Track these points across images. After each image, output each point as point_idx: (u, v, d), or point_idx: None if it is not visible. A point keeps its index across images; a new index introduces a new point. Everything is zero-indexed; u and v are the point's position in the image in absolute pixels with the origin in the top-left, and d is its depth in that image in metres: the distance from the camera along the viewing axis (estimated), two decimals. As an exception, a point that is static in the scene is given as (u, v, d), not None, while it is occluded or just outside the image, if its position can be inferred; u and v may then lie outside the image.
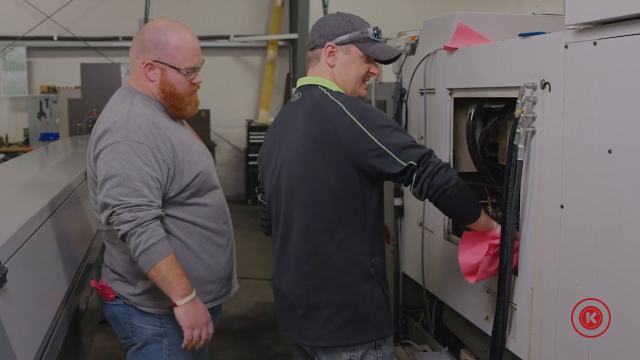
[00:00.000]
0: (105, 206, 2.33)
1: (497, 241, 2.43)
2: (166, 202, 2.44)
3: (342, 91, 2.42)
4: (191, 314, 2.36)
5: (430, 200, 2.29)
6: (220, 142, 11.83)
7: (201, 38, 11.06)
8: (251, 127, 11.26)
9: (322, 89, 2.39)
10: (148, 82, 2.50)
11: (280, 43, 11.76)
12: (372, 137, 2.23)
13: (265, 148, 2.57)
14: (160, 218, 2.35)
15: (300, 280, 2.41)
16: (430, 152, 2.26)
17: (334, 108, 2.30)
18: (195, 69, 2.52)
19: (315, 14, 10.56)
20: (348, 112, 2.27)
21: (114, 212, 2.29)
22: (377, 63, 2.50)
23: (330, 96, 2.34)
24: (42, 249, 2.42)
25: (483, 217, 2.41)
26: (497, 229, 2.46)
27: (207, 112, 10.97)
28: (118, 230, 2.29)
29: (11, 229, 2.13)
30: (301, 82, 2.49)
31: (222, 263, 2.62)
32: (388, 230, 2.94)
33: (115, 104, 2.48)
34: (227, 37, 11.54)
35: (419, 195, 2.27)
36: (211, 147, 11.04)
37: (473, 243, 2.52)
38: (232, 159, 12.04)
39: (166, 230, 2.40)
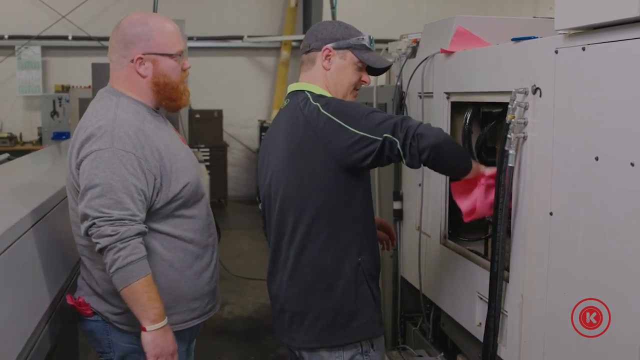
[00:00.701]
0: (85, 217, 2.20)
1: (486, 175, 2.45)
2: (152, 214, 2.33)
3: (327, 94, 2.44)
4: (159, 342, 2.24)
5: (427, 165, 2.27)
6: (233, 142, 11.87)
7: (215, 38, 11.08)
8: (264, 128, 11.24)
9: (307, 93, 2.41)
10: (139, 79, 2.39)
11: (294, 44, 11.74)
12: (348, 127, 2.25)
13: (260, 154, 2.62)
14: (142, 234, 2.24)
15: (287, 283, 2.44)
16: (404, 119, 2.24)
17: (312, 110, 2.33)
18: (182, 54, 2.44)
19: (328, 15, 10.56)
20: (323, 111, 2.30)
21: (94, 224, 2.18)
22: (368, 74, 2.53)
23: (310, 99, 2.37)
24: (31, 251, 2.42)
25: (474, 165, 2.43)
26: (485, 170, 2.47)
27: (220, 112, 11.00)
28: (97, 243, 2.18)
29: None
30: (291, 88, 2.52)
31: (206, 279, 2.51)
32: (393, 233, 2.93)
33: (99, 107, 2.35)
34: (240, 38, 11.57)
35: (415, 163, 2.25)
36: (224, 147, 11.07)
37: (466, 189, 2.52)
38: (244, 159, 12.08)
39: (148, 248, 2.29)
